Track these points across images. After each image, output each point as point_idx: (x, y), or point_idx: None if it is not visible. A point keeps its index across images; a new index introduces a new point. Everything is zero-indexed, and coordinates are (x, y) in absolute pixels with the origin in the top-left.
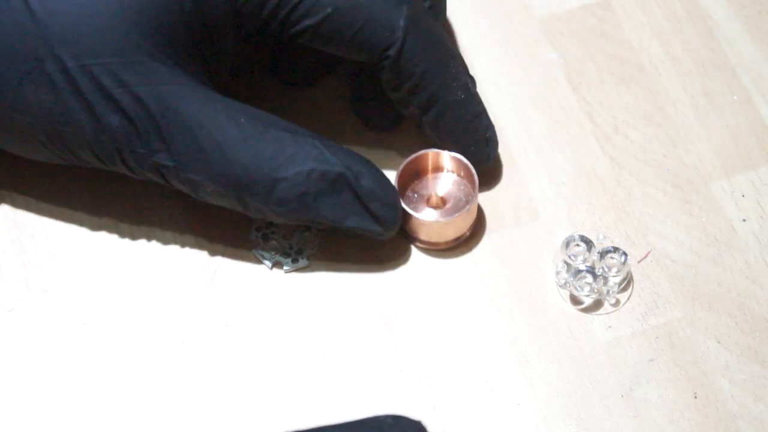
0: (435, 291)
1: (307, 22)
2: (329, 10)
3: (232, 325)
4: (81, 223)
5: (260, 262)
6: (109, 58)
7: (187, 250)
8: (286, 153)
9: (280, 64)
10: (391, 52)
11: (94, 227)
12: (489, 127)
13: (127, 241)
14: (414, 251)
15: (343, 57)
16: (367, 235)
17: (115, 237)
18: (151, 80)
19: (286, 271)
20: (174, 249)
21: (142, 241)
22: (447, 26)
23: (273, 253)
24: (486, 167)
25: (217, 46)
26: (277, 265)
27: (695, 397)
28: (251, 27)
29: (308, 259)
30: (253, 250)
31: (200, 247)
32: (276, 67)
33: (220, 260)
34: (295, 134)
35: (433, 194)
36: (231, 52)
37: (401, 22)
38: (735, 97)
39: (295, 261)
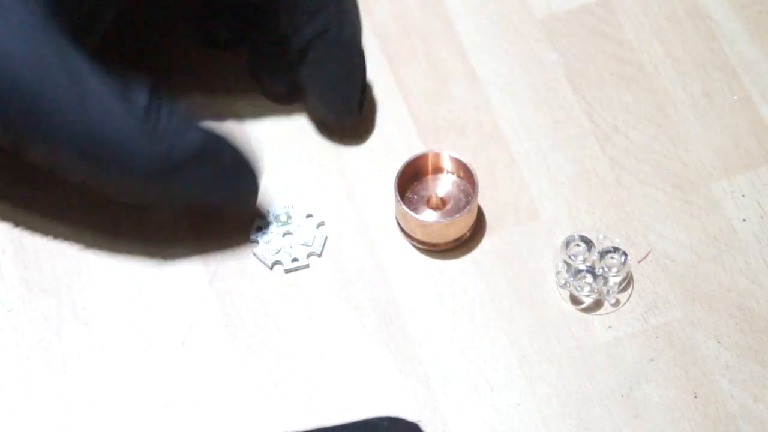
0: (435, 291)
1: None
2: None
3: (232, 325)
4: (81, 223)
5: (260, 262)
6: None
7: (187, 250)
8: (144, 124)
9: (205, 26)
10: None
11: (94, 227)
12: (365, 79)
13: (127, 241)
14: (414, 251)
15: (245, 4)
16: (225, 207)
17: (115, 237)
18: (21, 27)
19: (287, 271)
20: (174, 249)
21: (142, 242)
22: (445, 27)
23: (273, 253)
24: (355, 121)
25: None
26: (277, 264)
27: (695, 397)
28: None
29: (308, 258)
30: (253, 251)
31: (200, 247)
32: (202, 29)
33: (220, 260)
34: (156, 103)
35: (433, 195)
36: (114, 10)
37: None
38: (735, 97)
39: (295, 261)
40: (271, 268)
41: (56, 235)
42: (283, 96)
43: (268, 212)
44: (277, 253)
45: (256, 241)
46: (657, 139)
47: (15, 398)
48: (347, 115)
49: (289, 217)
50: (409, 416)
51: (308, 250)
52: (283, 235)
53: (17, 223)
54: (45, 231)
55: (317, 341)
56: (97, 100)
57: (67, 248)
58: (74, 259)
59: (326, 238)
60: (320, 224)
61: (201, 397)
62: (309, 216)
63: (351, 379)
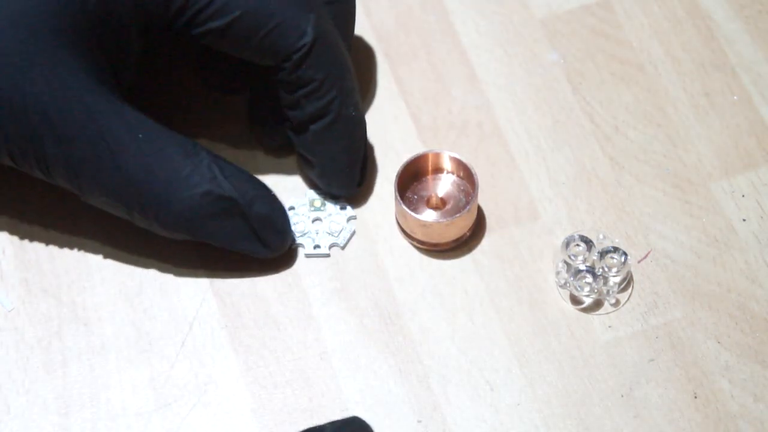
0: (435, 291)
1: (214, 23)
2: (237, 13)
3: (232, 325)
4: (81, 223)
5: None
6: (11, 58)
7: (187, 249)
8: (181, 174)
9: (206, 69)
10: (297, 56)
11: (94, 227)
12: (367, 152)
13: (126, 240)
14: (414, 251)
15: (244, 60)
16: (254, 256)
17: (115, 236)
18: (53, 84)
19: (307, 256)
20: (174, 249)
21: (142, 241)
22: (445, 27)
23: (298, 235)
24: (354, 194)
25: (122, 44)
26: (298, 247)
27: (695, 397)
28: (156, 25)
29: (330, 249)
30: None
31: (200, 246)
32: (203, 72)
33: (219, 260)
34: (191, 155)
35: (433, 195)
36: (136, 50)
37: (310, 29)
38: (735, 97)
39: (317, 248)
40: (292, 247)
41: (56, 236)
42: (276, 149)
43: (305, 194)
44: (302, 236)
45: None
46: (657, 139)
47: (15, 398)
48: (347, 189)
49: (323, 204)
50: (409, 416)
51: (332, 240)
52: (313, 221)
53: (17, 224)
54: (45, 231)
55: (317, 341)
56: (152, 155)
57: (67, 248)
58: (74, 259)
59: (353, 232)
60: (351, 218)
61: (201, 397)
62: (343, 208)
63: (351, 379)
